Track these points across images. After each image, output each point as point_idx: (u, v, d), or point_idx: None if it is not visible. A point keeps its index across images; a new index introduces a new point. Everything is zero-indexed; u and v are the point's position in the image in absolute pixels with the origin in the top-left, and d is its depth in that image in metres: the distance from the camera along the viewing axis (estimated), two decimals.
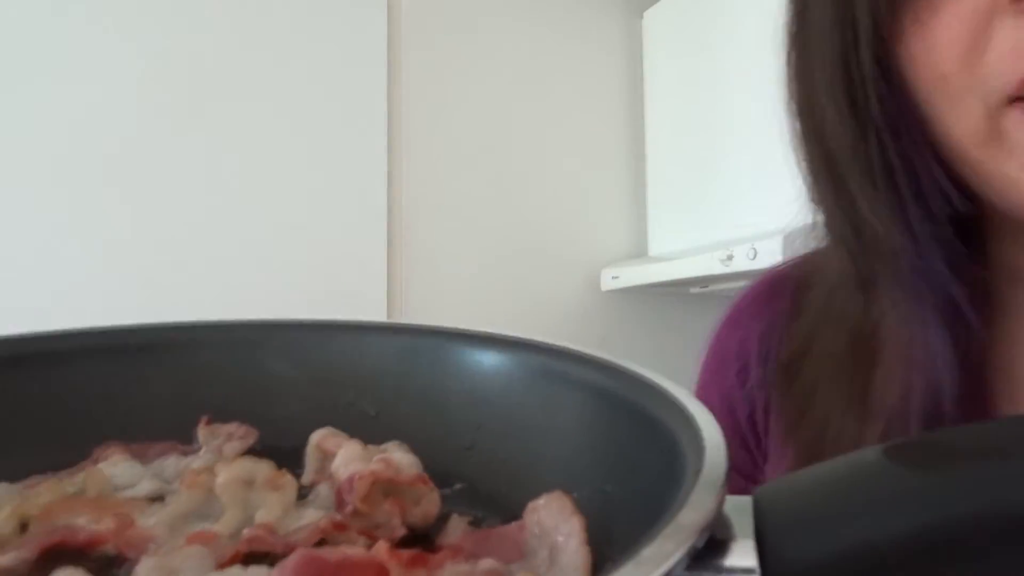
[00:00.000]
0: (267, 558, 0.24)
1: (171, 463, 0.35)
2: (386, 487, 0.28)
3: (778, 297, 0.59)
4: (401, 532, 0.27)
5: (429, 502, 0.29)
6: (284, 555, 0.24)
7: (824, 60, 0.45)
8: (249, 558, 0.24)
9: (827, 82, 0.45)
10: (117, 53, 1.85)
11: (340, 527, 0.25)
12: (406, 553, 0.21)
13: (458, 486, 0.34)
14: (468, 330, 0.41)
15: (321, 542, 0.26)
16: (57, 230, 1.78)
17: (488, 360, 0.39)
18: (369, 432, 0.40)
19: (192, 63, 1.93)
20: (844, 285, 0.52)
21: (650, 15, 2.51)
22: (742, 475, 0.58)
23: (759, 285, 0.62)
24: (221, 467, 0.30)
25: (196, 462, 0.33)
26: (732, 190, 2.14)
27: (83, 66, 1.82)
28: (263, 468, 0.30)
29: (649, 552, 0.17)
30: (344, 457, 0.30)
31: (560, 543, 0.23)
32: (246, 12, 2.01)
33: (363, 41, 2.15)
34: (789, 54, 0.50)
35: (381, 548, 0.20)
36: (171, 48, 1.91)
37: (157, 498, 0.31)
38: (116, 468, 0.33)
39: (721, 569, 0.20)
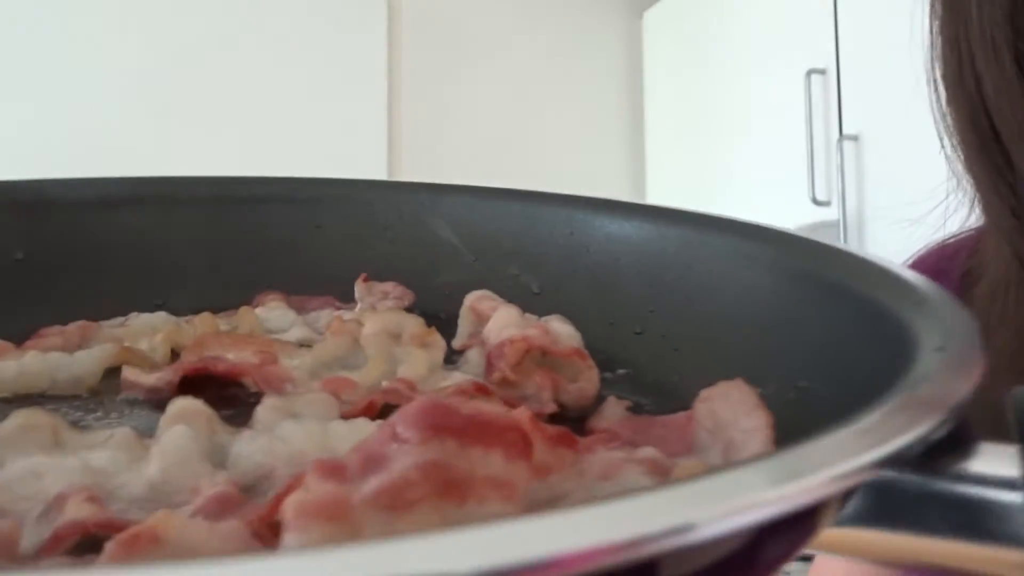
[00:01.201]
0: None
1: (325, 315, 0.33)
2: (540, 358, 0.25)
3: (943, 279, 0.50)
4: (551, 408, 0.23)
5: (587, 380, 0.25)
6: None
7: (984, 22, 0.39)
8: (381, 413, 0.22)
9: (990, 47, 0.39)
10: (118, 50, 1.85)
11: (484, 391, 0.22)
12: (551, 428, 0.18)
13: (621, 371, 0.30)
14: (650, 205, 0.36)
15: None
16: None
17: (669, 238, 0.34)
18: (530, 310, 0.37)
19: (192, 63, 1.90)
20: (1006, 282, 0.43)
21: (650, 15, 2.41)
22: None
23: (923, 262, 0.53)
24: (369, 316, 0.28)
25: (347, 316, 0.31)
26: (732, 190, 2.07)
27: (87, 60, 1.83)
28: (411, 323, 0.28)
29: (871, 421, 0.12)
30: (499, 321, 0.27)
31: (738, 440, 0.19)
32: (247, 12, 1.96)
33: (363, 42, 2.08)
34: (935, 19, 0.43)
35: (523, 414, 0.17)
36: (172, 47, 1.89)
37: (306, 344, 0.30)
38: (271, 313, 0.32)
39: (967, 477, 0.15)
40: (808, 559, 0.58)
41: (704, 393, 0.21)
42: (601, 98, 2.42)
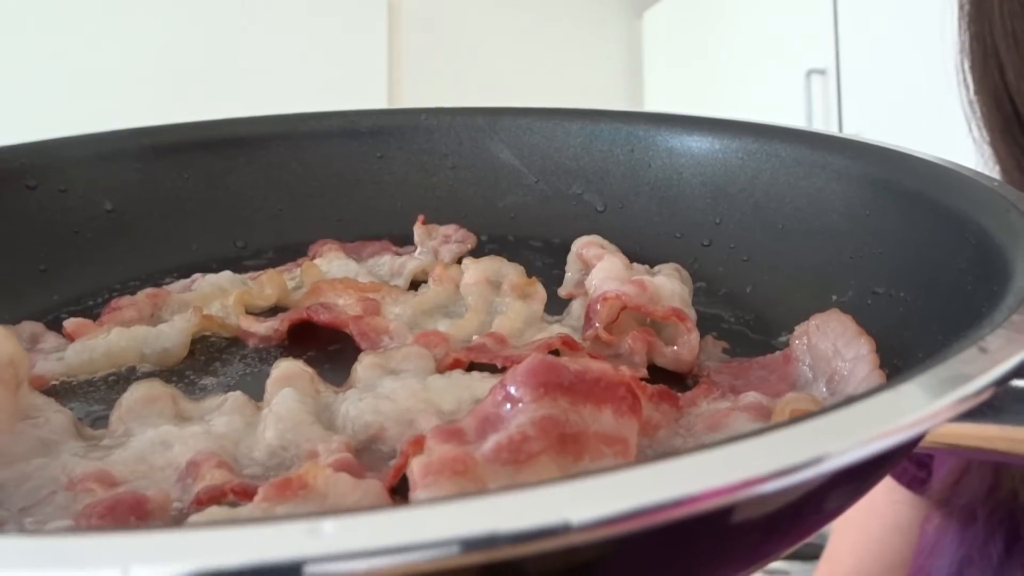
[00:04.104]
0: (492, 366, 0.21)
1: (385, 261, 0.32)
2: (639, 315, 0.22)
3: None
4: (642, 372, 0.21)
5: (685, 345, 0.22)
6: (504, 368, 0.20)
7: (1006, 17, 0.41)
8: (474, 364, 0.21)
9: (1011, 38, 0.41)
10: (114, 49, 1.75)
11: (571, 345, 0.21)
12: (651, 387, 0.17)
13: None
14: (710, 117, 0.33)
15: None
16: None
17: (732, 149, 0.32)
18: (595, 228, 0.35)
19: (193, 64, 1.79)
20: None
21: (650, 15, 2.24)
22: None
23: None
24: (470, 264, 0.26)
25: (411, 263, 0.30)
26: None
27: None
28: (512, 272, 0.26)
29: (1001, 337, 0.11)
30: (601, 272, 0.24)
31: (843, 370, 0.18)
32: (248, 12, 1.84)
33: (363, 42, 1.95)
34: (963, 18, 0.46)
35: (625, 372, 0.16)
36: (171, 48, 1.78)
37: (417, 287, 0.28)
38: (331, 265, 0.30)
39: None
40: (814, 558, 0.58)
41: (799, 328, 0.20)
42: (601, 98, 2.28)
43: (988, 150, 0.46)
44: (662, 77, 2.24)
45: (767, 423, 0.16)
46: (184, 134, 0.39)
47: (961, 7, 0.47)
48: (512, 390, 0.15)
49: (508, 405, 0.14)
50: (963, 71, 0.47)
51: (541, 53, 2.23)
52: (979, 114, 0.46)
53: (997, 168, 0.46)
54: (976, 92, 0.46)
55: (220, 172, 0.39)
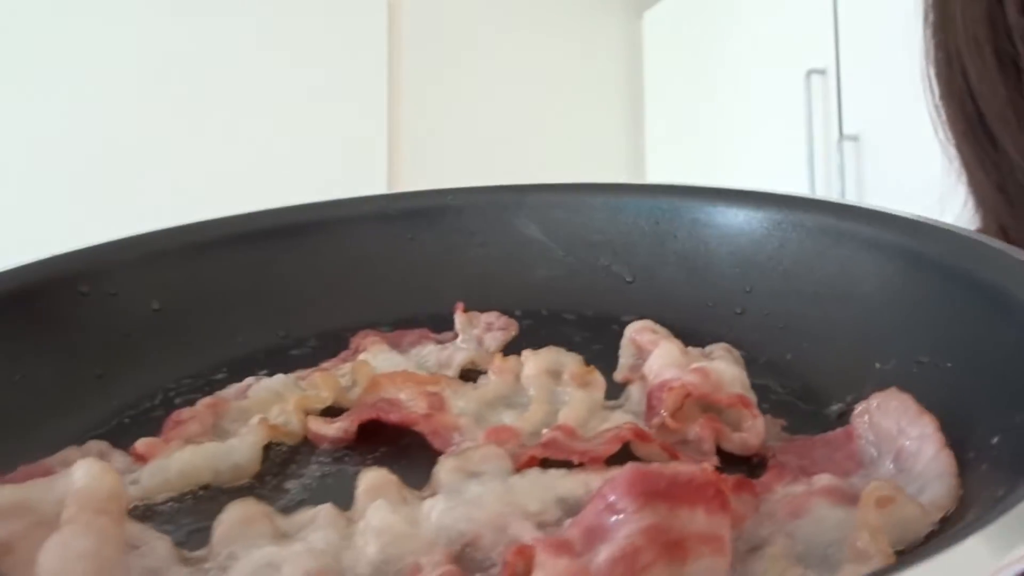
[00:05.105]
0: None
1: (430, 352, 0.32)
2: (702, 402, 0.23)
3: None
4: (713, 460, 0.21)
5: (751, 430, 0.22)
6: (580, 463, 0.21)
7: (967, 23, 0.44)
8: (547, 459, 0.21)
9: (973, 43, 0.44)
10: (115, 51, 1.77)
11: (643, 437, 0.21)
12: (731, 478, 0.17)
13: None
14: (734, 188, 0.35)
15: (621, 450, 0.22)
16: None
17: (757, 219, 0.33)
18: (626, 299, 0.36)
19: (193, 63, 1.81)
20: None
21: (650, 15, 2.26)
22: None
23: None
24: (529, 356, 0.27)
25: (459, 355, 0.30)
26: None
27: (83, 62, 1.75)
28: (571, 362, 0.27)
29: None
30: (659, 360, 0.25)
31: (910, 448, 0.18)
32: (247, 12, 1.88)
33: (363, 41, 1.98)
34: (927, 26, 0.48)
35: (709, 469, 0.16)
36: (172, 46, 1.79)
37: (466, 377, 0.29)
38: (377, 359, 0.31)
39: None
40: None
41: (860, 407, 0.20)
42: (601, 98, 2.30)
43: (953, 152, 0.48)
44: (662, 77, 2.24)
45: (848, 508, 0.16)
46: (224, 229, 0.40)
47: (926, 17, 0.49)
48: (613, 499, 0.15)
49: (611, 516, 0.15)
50: (929, 77, 0.49)
51: (541, 52, 2.24)
52: (944, 117, 0.48)
53: (964, 170, 0.47)
54: (941, 96, 0.48)
55: (259, 263, 0.39)
